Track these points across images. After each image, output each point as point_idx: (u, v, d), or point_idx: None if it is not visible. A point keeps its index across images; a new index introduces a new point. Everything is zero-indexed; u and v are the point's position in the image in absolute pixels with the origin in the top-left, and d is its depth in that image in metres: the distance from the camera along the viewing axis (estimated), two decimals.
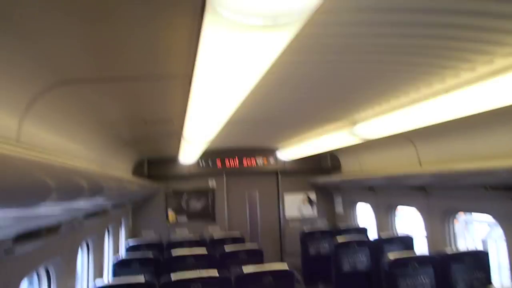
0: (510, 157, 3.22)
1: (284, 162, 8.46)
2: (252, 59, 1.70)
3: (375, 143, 4.98)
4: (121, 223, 6.88)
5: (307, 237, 6.79)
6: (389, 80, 2.97)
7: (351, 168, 7.37)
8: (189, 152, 6.02)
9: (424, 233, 5.36)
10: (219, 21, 1.27)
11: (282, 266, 4.19)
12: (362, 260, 5.49)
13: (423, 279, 4.22)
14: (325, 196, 8.71)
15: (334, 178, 7.79)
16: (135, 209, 7.94)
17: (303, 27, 1.45)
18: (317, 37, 2.16)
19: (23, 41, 1.64)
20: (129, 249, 6.37)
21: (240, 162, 8.37)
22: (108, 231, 5.86)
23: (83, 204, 2.38)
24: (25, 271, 2.62)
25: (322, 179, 8.07)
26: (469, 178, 3.83)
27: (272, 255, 8.07)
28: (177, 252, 5.24)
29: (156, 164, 7.97)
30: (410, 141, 4.81)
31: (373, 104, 3.71)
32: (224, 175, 8.50)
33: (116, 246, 6.23)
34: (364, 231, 6.88)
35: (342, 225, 7.55)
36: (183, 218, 8.33)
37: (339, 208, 8.47)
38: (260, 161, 8.42)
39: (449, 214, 4.93)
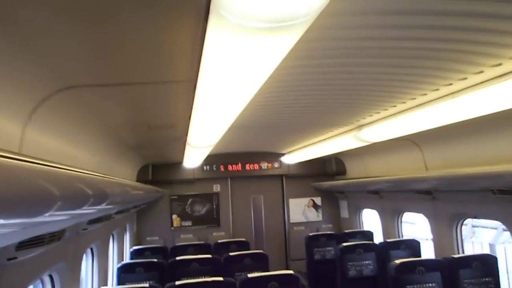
0: None
1: (289, 167, 8.42)
2: (257, 63, 1.68)
3: (381, 147, 4.95)
4: (125, 228, 6.87)
5: (312, 242, 6.74)
6: (395, 84, 2.94)
7: (356, 173, 7.32)
8: (193, 157, 6.00)
9: (431, 237, 5.32)
10: (224, 24, 1.25)
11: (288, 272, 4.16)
12: (368, 264, 5.43)
13: (430, 284, 4.17)
14: (330, 200, 8.65)
15: (339, 182, 7.75)
16: (139, 215, 7.93)
17: (307, 31, 1.43)
18: (323, 41, 2.14)
19: (26, 45, 1.62)
20: (133, 253, 6.36)
21: (245, 167, 8.35)
22: (113, 237, 5.85)
23: (87, 211, 2.37)
24: (29, 278, 2.60)
25: (327, 183, 8.02)
26: (476, 182, 3.78)
27: (277, 259, 8.02)
28: (181, 256, 5.21)
29: (161, 169, 7.94)
30: (416, 145, 4.77)
31: (379, 108, 3.67)
32: (228, 179, 8.47)
33: (120, 252, 6.21)
34: (370, 235, 6.82)
35: (347, 230, 7.49)
36: (188, 223, 8.31)
37: (344, 213, 8.42)
38: (264, 165, 8.39)
39: (457, 219, 4.87)
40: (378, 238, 6.67)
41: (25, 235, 1.91)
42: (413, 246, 5.46)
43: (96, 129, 3.34)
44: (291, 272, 4.04)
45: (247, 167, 8.34)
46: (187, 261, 5.01)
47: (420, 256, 5.34)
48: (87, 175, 2.21)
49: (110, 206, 2.88)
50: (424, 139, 4.44)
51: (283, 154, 8.17)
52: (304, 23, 1.30)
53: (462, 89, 2.68)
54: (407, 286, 4.12)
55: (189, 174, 8.12)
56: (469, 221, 8.41)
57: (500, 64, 2.28)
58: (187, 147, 5.01)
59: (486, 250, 8.56)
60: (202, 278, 4.25)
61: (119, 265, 5.08)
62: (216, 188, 8.48)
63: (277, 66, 1.83)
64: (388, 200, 6.41)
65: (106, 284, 5.04)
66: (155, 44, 1.86)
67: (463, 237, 4.96)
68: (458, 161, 4.16)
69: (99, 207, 2.34)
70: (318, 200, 8.67)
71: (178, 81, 2.46)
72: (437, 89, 2.88)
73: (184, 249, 6.31)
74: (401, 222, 6.46)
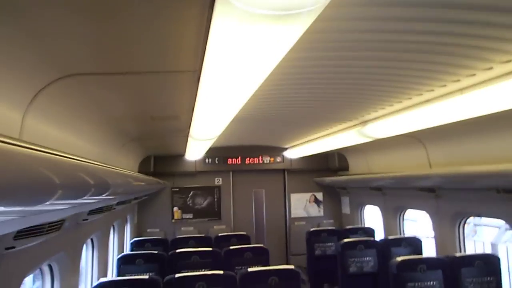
0: None
1: (291, 161, 8.40)
2: (262, 53, 1.64)
3: (384, 143, 4.90)
4: (126, 220, 6.87)
5: (313, 237, 6.73)
6: (402, 79, 2.89)
7: (359, 169, 7.29)
8: (196, 149, 5.98)
9: (432, 235, 5.29)
10: (230, 11, 1.21)
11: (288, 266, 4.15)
12: (369, 261, 5.41)
13: (431, 282, 4.14)
14: (332, 196, 8.64)
15: (341, 178, 7.72)
16: (140, 206, 7.92)
17: (313, 22, 1.39)
18: (328, 33, 2.10)
19: (28, 34, 1.59)
20: (133, 245, 6.36)
21: (247, 161, 8.32)
22: (113, 228, 5.84)
23: (88, 200, 2.34)
24: (28, 268, 2.58)
25: (329, 179, 8.00)
26: (481, 181, 3.74)
27: (277, 254, 8.02)
28: (182, 249, 5.21)
29: (163, 161, 7.93)
30: (420, 142, 4.73)
31: (385, 104, 3.63)
32: (230, 173, 8.46)
33: (121, 243, 6.21)
34: (371, 231, 6.80)
35: (348, 226, 7.47)
36: (189, 216, 8.30)
37: (346, 209, 8.40)
38: (266, 159, 8.37)
39: (460, 218, 4.84)
40: (379, 236, 6.64)
41: (24, 223, 1.89)
42: (414, 244, 5.44)
43: (98, 119, 3.31)
44: (291, 267, 4.03)
45: (249, 160, 8.32)
46: (188, 254, 5.01)
47: (421, 254, 5.31)
48: (89, 164, 2.18)
49: (111, 197, 2.86)
50: (428, 136, 4.39)
51: (285, 149, 8.14)
52: (312, 12, 1.26)
53: (470, 86, 2.63)
54: (408, 284, 4.09)
55: (191, 167, 8.10)
56: (471, 220, 8.38)
57: (510, 61, 2.23)
58: (189, 139, 4.98)
59: (488, 249, 8.53)
60: (202, 271, 4.25)
61: (119, 256, 5.08)
62: (218, 181, 8.46)
63: (282, 58, 1.79)
64: (390, 197, 6.38)
65: (106, 275, 5.04)
66: (158, 32, 1.82)
67: (465, 236, 4.93)
68: (462, 159, 4.12)
69: (100, 197, 2.31)
70: (319, 196, 8.65)
71: (182, 71, 2.42)
72: (444, 85, 2.83)
73: (185, 242, 6.32)
74: (403, 219, 6.43)
